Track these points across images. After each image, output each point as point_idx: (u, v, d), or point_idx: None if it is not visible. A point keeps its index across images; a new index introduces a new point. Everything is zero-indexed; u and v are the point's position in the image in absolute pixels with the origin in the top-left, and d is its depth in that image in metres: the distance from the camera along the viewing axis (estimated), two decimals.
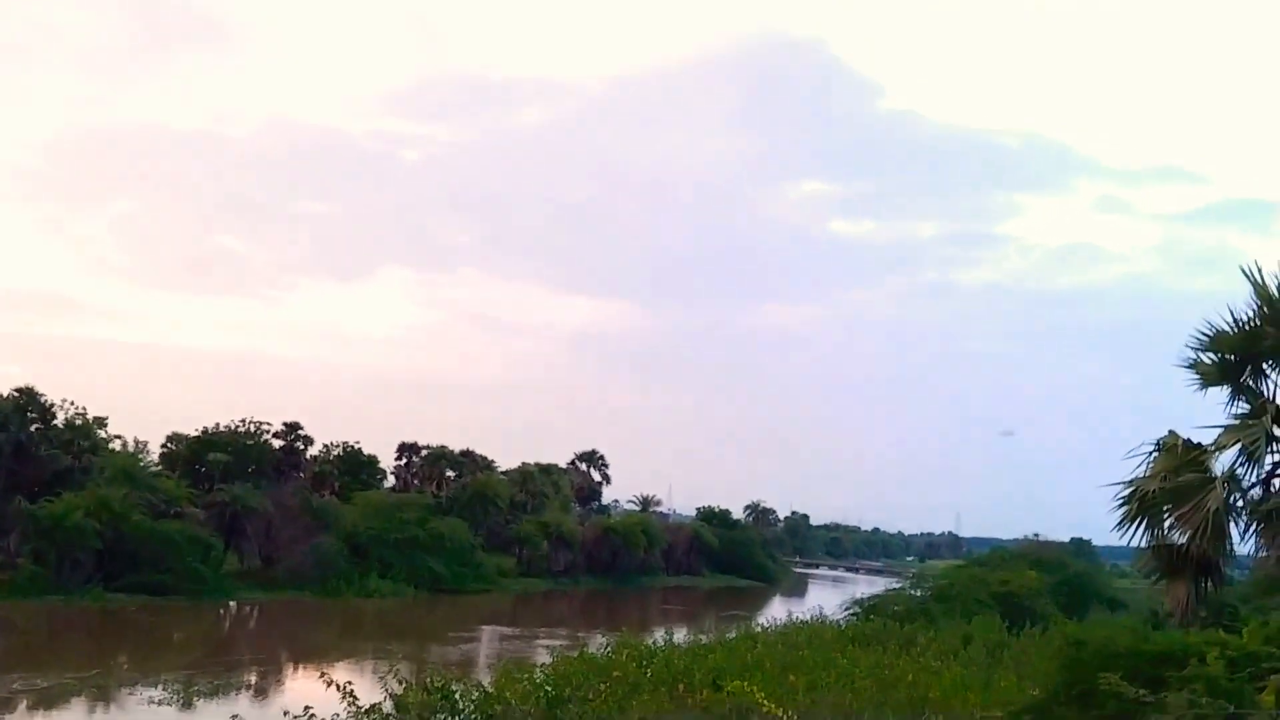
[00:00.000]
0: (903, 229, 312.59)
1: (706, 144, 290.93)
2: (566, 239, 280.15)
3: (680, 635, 37.22)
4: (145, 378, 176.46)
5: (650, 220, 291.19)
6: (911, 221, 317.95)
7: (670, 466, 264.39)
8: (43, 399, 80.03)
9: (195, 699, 38.92)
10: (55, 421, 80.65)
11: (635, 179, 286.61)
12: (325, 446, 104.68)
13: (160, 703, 37.79)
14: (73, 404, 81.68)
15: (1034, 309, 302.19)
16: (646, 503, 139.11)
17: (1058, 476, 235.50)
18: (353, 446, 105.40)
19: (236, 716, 15.84)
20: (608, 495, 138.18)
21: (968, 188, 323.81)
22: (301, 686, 39.45)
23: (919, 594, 49.78)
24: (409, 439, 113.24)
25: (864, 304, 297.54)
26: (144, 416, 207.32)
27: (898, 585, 59.50)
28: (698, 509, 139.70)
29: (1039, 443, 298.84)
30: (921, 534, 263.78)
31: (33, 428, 79.26)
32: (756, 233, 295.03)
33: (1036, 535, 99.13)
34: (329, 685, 21.62)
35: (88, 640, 53.31)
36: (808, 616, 43.37)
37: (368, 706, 21.21)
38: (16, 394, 78.98)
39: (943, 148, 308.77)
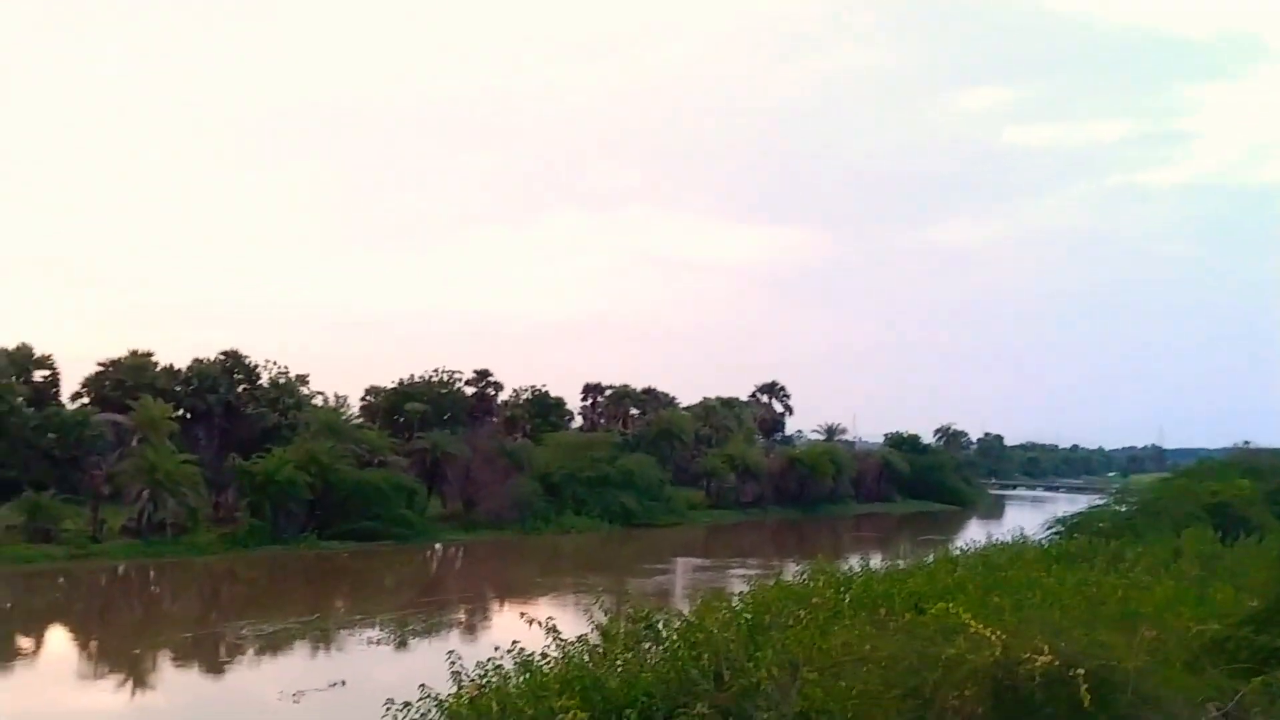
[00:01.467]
0: (1084, 133, 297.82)
1: (873, 57, 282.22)
2: (735, 170, 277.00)
3: (875, 561, 36.78)
4: (339, 336, 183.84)
5: (819, 143, 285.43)
6: (1092, 124, 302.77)
7: (854, 394, 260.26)
8: (247, 360, 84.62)
9: (410, 638, 40.70)
10: (260, 381, 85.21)
11: (801, 101, 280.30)
12: (514, 392, 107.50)
13: (378, 643, 39.70)
14: (275, 364, 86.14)
15: (1230, 207, 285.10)
16: (831, 431, 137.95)
17: (1270, 380, 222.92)
18: (540, 390, 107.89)
19: (452, 652, 16.24)
20: (791, 426, 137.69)
21: (1152, 85, 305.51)
22: (508, 622, 40.78)
23: (1124, 509, 47.85)
24: (592, 380, 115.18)
25: (1048, 213, 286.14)
26: (341, 373, 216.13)
27: (1100, 502, 57.36)
28: (885, 435, 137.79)
29: (1246, 347, 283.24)
30: (1123, 449, 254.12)
31: (240, 388, 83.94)
32: (930, 146, 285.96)
33: (1247, 443, 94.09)
34: (531, 624, 22.15)
35: (306, 586, 56.29)
36: (1008, 538, 42.24)
37: (574, 638, 21.73)
38: (223, 357, 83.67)
39: (1122, 44, 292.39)
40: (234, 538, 62.47)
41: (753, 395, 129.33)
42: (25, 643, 40.87)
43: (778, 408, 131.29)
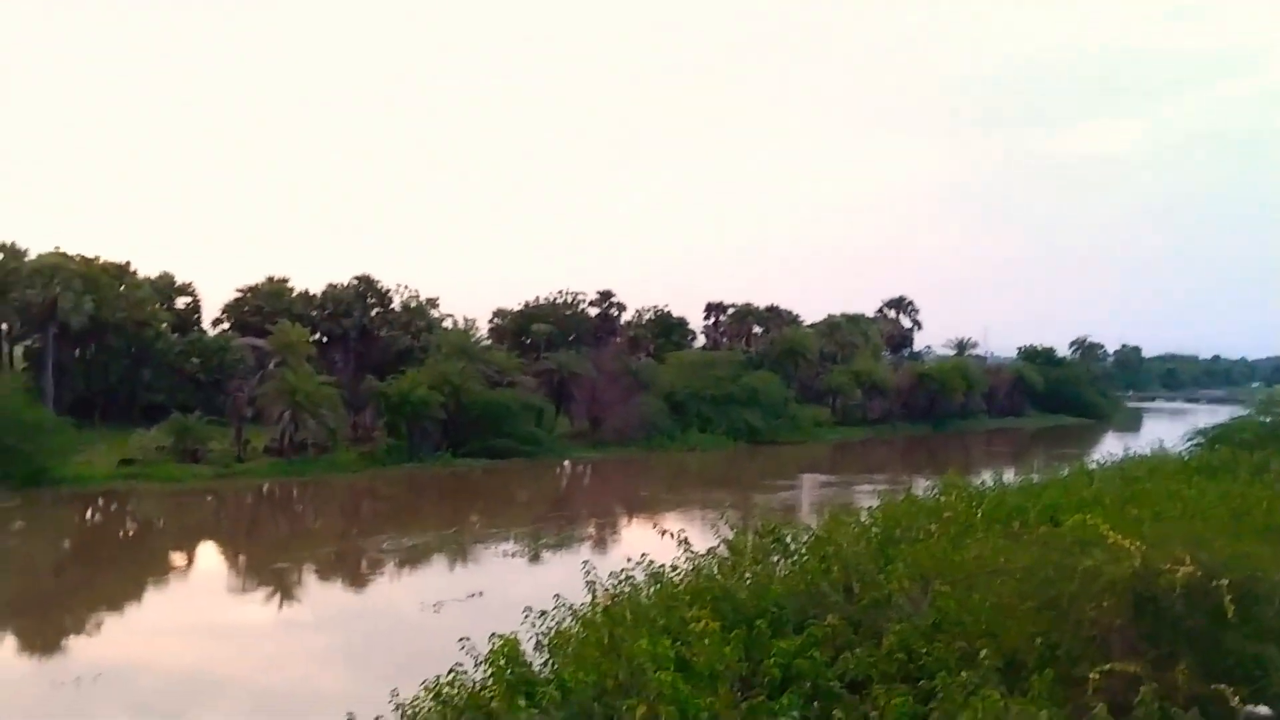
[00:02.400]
0: (1234, 31, 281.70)
1: None
2: (864, 80, 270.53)
3: (1008, 476, 36.21)
4: (467, 260, 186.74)
5: (954, 47, 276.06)
6: (1244, 22, 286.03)
7: (985, 307, 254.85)
8: (379, 285, 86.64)
9: (542, 551, 41.75)
10: (392, 305, 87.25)
11: (935, 4, 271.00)
12: (637, 312, 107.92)
13: (512, 555, 40.82)
14: (406, 287, 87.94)
15: None
16: (962, 346, 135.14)
17: None
18: (662, 310, 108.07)
19: (586, 563, 16.64)
20: (919, 341, 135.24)
21: None
22: (637, 535, 41.51)
23: (1268, 420, 46.04)
24: (715, 299, 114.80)
25: (1194, 114, 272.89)
26: (469, 296, 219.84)
27: (1243, 413, 55.26)
28: (1018, 349, 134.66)
29: None
30: (1268, 358, 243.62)
31: (373, 312, 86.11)
32: (1069, 44, 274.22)
33: None
34: (664, 534, 22.46)
35: (441, 502, 58.00)
36: (1146, 451, 41.08)
37: (703, 552, 21.99)
38: (356, 281, 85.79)
39: None
40: (372, 456, 64.63)
41: (880, 311, 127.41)
42: (178, 559, 43.12)
43: (906, 323, 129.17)
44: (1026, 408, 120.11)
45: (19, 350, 73.81)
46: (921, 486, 32.12)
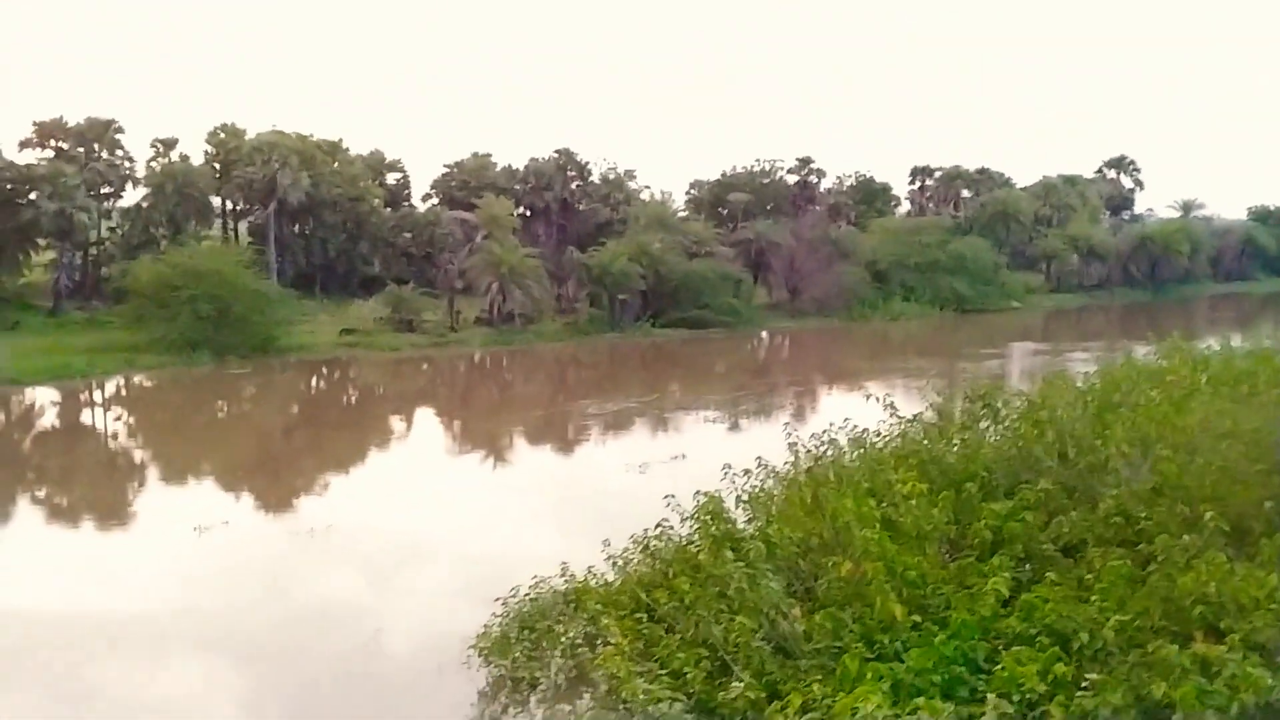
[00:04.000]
0: None
1: None
2: None
3: (1235, 342, 34.25)
4: (663, 134, 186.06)
5: None
6: None
7: (1215, 165, 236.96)
8: (579, 158, 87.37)
9: (741, 418, 42.10)
10: (592, 178, 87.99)
11: None
12: (837, 178, 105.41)
13: (713, 421, 41.31)
14: (604, 160, 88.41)
15: None
16: (1187, 207, 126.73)
17: None
18: (865, 176, 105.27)
19: (788, 424, 16.65)
20: (1141, 203, 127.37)
21: None
22: (837, 403, 41.26)
23: None
24: (920, 163, 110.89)
25: None
26: (666, 168, 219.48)
27: None
28: (1248, 209, 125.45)
29: None
30: None
31: (573, 185, 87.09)
32: None
33: None
34: (867, 398, 22.19)
35: (642, 371, 59.00)
36: None
37: (910, 416, 21.69)
38: (556, 155, 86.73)
39: None
40: (575, 326, 66.21)
41: (1099, 171, 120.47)
42: (397, 423, 45.40)
43: (1127, 183, 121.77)
44: (1255, 272, 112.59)
45: (244, 227, 78.05)
46: (1141, 354, 30.71)
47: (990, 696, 9.91)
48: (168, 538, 25.17)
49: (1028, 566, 14.66)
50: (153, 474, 35.39)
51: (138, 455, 38.58)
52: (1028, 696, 10.26)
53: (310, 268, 74.14)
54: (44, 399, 45.98)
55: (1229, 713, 9.15)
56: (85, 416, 46.08)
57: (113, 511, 29.77)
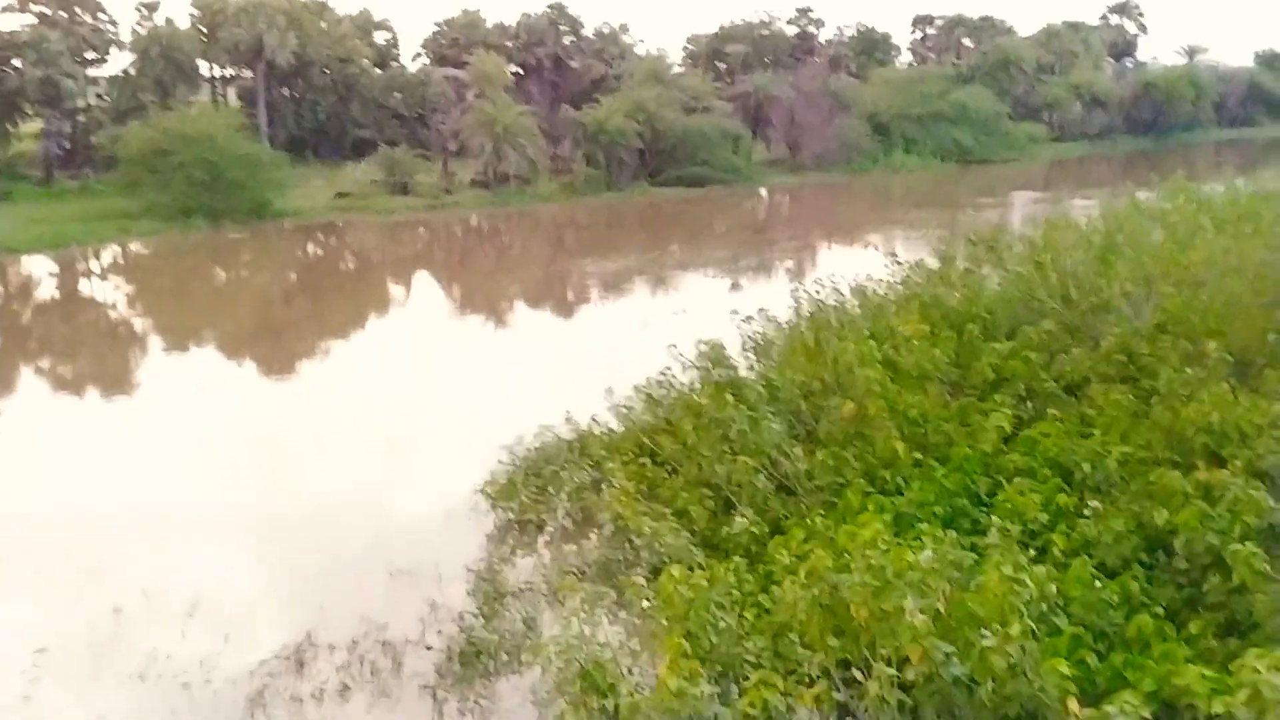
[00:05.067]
0: None
1: None
2: None
3: (1239, 184, 33.87)
4: None
5: None
6: None
7: (1221, 8, 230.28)
8: (571, 12, 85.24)
9: (742, 274, 41.92)
10: (585, 33, 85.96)
11: None
12: (837, 29, 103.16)
13: (714, 277, 41.17)
14: (599, 14, 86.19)
15: None
16: (1192, 52, 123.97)
17: None
18: (865, 26, 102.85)
19: (790, 273, 16.56)
20: (1144, 50, 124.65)
21: None
22: (838, 257, 41.09)
23: None
24: (922, 11, 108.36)
25: None
26: (660, 23, 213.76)
27: None
28: (1255, 54, 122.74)
29: None
30: None
31: (566, 41, 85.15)
32: None
33: None
34: (866, 247, 22.02)
35: (641, 230, 58.52)
36: None
37: (910, 264, 21.57)
38: (549, 9, 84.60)
39: None
40: (572, 186, 65.43)
41: (1102, 17, 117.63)
42: (396, 287, 45.22)
43: (1130, 29, 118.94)
44: (1260, 118, 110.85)
45: (233, 93, 76.63)
46: (1144, 198, 30.38)
47: (994, 519, 10.06)
48: (173, 407, 25.27)
49: (1029, 405, 14.74)
50: (155, 343, 35.39)
51: (139, 324, 38.52)
52: (1030, 526, 10.41)
53: (301, 131, 73.05)
54: (41, 268, 45.73)
55: (1231, 535, 9.27)
56: (84, 285, 45.91)
57: (118, 381, 29.86)
